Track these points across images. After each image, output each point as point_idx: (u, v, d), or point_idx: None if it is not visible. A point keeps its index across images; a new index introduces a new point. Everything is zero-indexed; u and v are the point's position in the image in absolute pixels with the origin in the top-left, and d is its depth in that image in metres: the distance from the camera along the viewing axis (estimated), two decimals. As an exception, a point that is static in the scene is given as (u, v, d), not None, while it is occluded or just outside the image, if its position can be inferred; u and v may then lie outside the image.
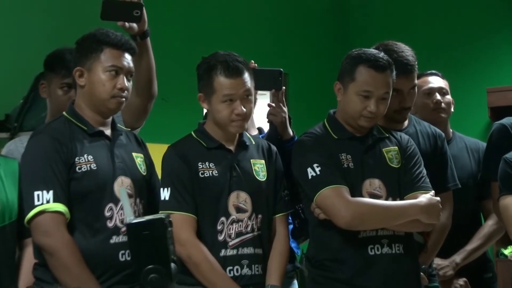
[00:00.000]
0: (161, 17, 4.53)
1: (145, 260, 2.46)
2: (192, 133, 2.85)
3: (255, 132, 3.23)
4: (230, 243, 2.71)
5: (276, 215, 2.83)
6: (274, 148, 2.89)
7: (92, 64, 2.64)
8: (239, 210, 2.73)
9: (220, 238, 2.70)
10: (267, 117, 3.05)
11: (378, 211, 2.71)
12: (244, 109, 2.71)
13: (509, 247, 5.43)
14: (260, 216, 2.77)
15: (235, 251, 2.71)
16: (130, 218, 2.50)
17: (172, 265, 2.53)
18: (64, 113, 2.72)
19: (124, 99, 2.67)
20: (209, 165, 2.74)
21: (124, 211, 2.54)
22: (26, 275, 2.66)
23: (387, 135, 2.89)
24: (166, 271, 2.47)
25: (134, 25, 2.83)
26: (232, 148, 2.80)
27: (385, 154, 2.85)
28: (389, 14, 6.53)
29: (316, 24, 6.39)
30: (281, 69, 3.04)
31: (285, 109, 3.02)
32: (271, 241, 2.81)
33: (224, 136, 2.79)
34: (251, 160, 2.81)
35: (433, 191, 2.83)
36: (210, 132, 2.80)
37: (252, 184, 2.77)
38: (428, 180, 2.85)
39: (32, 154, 2.61)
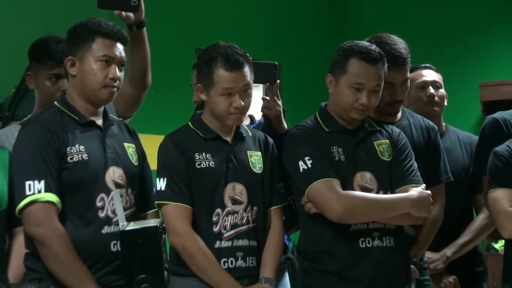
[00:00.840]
0: (155, 8, 4.52)
1: (137, 268, 2.39)
2: (189, 123, 2.84)
3: (247, 121, 3.22)
4: (225, 235, 2.70)
5: (272, 208, 2.83)
6: (270, 140, 2.89)
7: (83, 54, 2.63)
8: (234, 201, 2.73)
9: (215, 229, 2.70)
10: (262, 111, 3.05)
11: (369, 204, 2.72)
12: (243, 103, 2.71)
13: (500, 241, 5.44)
14: (255, 208, 2.77)
15: (230, 243, 2.70)
16: (123, 223, 2.45)
17: (165, 273, 2.48)
18: (55, 102, 2.71)
19: (115, 89, 2.66)
20: (205, 156, 2.73)
21: (117, 215, 2.51)
22: (16, 264, 2.65)
23: (378, 128, 2.89)
24: (158, 280, 2.42)
25: (131, 14, 2.82)
26: (229, 139, 2.79)
27: (376, 147, 2.85)
28: (383, 7, 6.53)
29: (310, 16, 6.39)
30: (276, 63, 3.03)
31: (280, 102, 3.01)
32: (266, 233, 2.81)
33: (221, 127, 2.78)
34: (248, 152, 2.81)
35: (424, 185, 2.83)
36: (207, 122, 2.79)
37: (248, 176, 2.76)
38: (419, 173, 2.86)
39: (24, 144, 2.60)
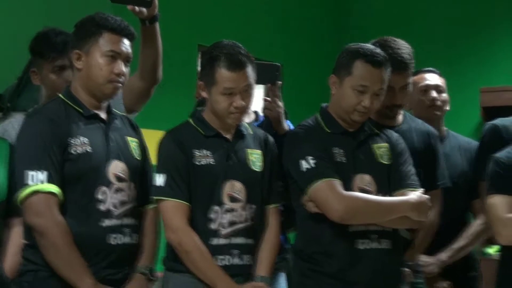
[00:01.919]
0: (159, 5, 4.52)
1: None
2: (190, 120, 2.84)
3: (252, 116, 3.22)
4: (223, 232, 2.70)
5: (269, 206, 2.83)
6: (271, 138, 2.89)
7: (90, 48, 2.63)
8: (233, 199, 2.73)
9: (213, 226, 2.70)
10: (263, 112, 3.05)
11: (371, 205, 2.73)
12: (243, 103, 2.71)
13: (493, 246, 5.44)
14: (253, 206, 2.77)
15: (226, 241, 2.70)
16: None
17: None
18: (59, 94, 2.72)
19: (120, 84, 2.67)
20: (205, 153, 2.74)
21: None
22: (12, 255, 2.66)
23: (377, 132, 2.91)
24: None
25: (144, 9, 2.82)
26: (229, 137, 2.79)
27: (375, 150, 2.86)
28: (386, 8, 6.53)
29: (313, 16, 6.39)
30: (279, 64, 3.03)
31: (281, 103, 3.01)
32: (263, 232, 2.81)
33: (221, 125, 2.78)
34: (248, 149, 2.80)
35: (422, 189, 2.84)
36: (208, 120, 2.79)
37: (247, 174, 2.76)
38: (416, 178, 2.87)
39: (27, 134, 2.61)
